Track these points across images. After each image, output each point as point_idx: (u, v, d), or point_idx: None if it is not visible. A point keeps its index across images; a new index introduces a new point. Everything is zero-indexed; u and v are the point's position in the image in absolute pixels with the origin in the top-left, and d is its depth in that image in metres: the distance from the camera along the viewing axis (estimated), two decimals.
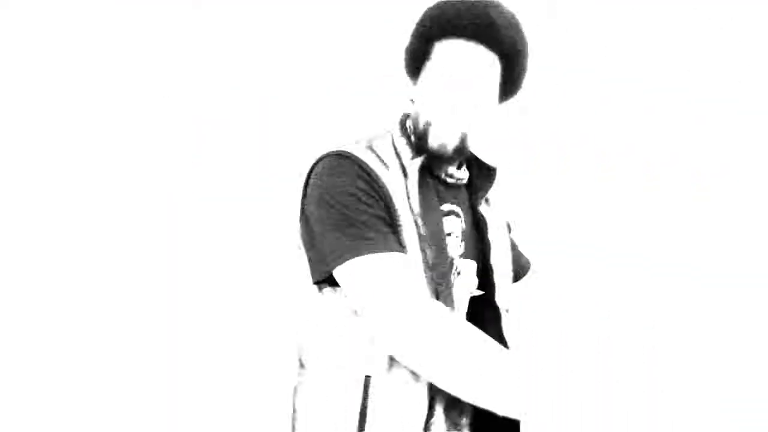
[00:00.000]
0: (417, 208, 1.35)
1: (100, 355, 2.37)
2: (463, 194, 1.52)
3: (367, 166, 1.34)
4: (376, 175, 1.34)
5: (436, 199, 1.41)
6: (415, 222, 1.34)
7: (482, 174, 1.55)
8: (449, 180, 1.48)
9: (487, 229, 1.50)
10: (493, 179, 1.55)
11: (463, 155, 1.45)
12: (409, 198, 1.35)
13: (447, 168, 1.46)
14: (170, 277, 2.41)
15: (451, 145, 1.40)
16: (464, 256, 1.44)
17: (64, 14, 2.40)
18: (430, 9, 1.44)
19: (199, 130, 2.44)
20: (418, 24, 1.45)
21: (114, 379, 2.36)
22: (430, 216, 1.37)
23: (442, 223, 1.39)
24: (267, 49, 2.43)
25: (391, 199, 1.33)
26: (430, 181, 1.42)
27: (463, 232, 1.46)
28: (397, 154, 1.41)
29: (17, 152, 2.40)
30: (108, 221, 2.41)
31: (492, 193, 1.61)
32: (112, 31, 2.41)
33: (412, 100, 1.48)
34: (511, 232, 1.74)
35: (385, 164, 1.37)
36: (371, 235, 1.28)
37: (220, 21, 2.43)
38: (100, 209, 2.41)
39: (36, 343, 2.38)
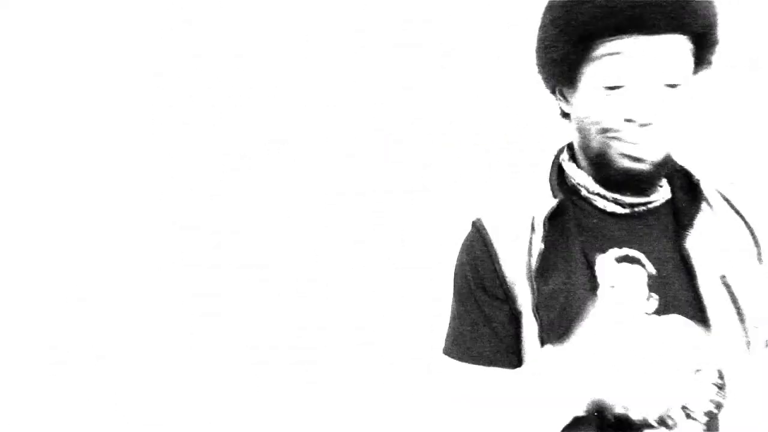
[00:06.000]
0: (534, 267, 1.11)
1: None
2: (660, 223, 1.15)
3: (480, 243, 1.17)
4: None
5: (577, 246, 1.12)
6: (531, 286, 1.11)
7: (681, 189, 1.17)
8: (621, 209, 1.14)
9: (695, 267, 1.10)
10: (700, 198, 1.15)
11: (666, 169, 1.12)
12: (531, 256, 1.12)
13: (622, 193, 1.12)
14: (171, 277, 2.42)
15: (650, 159, 1.07)
16: (661, 311, 1.09)
17: (64, 14, 2.40)
18: None
19: (200, 130, 2.45)
20: (560, 18, 1.11)
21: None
22: (555, 274, 1.11)
23: (574, 276, 1.11)
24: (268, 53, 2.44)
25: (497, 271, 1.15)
26: (570, 224, 1.14)
27: (652, 279, 1.11)
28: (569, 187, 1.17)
29: (17, 152, 2.40)
30: (109, 222, 2.41)
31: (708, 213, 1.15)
32: (112, 31, 2.41)
33: (565, 115, 1.18)
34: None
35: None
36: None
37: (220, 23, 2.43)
38: (101, 210, 2.41)
39: (36, 343, 2.38)
